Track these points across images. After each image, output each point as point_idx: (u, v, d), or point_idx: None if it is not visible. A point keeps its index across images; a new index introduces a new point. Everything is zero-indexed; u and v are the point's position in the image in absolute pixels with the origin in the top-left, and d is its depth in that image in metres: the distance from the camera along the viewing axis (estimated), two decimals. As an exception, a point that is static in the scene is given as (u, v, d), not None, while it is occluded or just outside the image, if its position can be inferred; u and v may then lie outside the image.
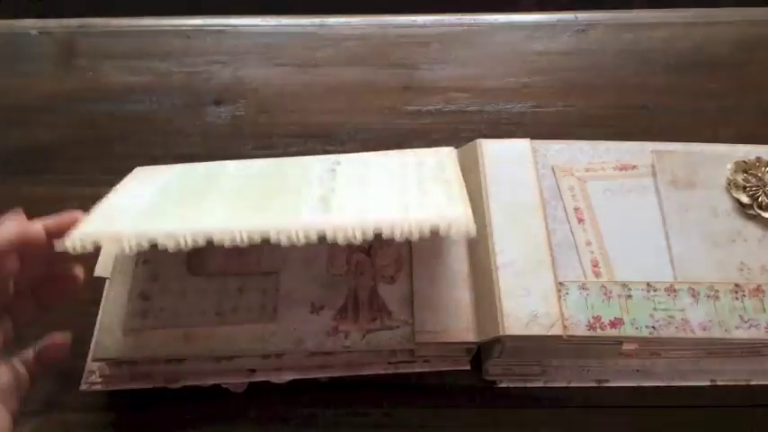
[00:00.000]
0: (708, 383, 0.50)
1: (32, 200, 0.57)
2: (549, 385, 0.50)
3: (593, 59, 0.70)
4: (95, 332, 0.49)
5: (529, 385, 0.50)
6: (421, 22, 0.69)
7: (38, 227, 0.43)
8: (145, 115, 0.65)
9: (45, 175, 0.62)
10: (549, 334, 0.46)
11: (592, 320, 0.47)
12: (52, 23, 0.72)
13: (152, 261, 0.52)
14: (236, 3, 0.96)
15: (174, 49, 0.66)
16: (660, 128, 0.64)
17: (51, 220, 0.43)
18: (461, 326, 0.47)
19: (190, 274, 0.51)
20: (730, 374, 0.50)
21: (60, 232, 0.43)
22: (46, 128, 0.65)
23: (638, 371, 0.50)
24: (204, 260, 0.51)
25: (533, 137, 0.57)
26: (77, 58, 0.69)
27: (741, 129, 0.63)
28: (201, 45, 0.67)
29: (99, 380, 0.49)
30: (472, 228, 0.39)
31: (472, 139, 0.56)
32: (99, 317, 0.50)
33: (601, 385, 0.50)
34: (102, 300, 0.51)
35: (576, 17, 0.73)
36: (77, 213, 0.44)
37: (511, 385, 0.50)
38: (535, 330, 0.46)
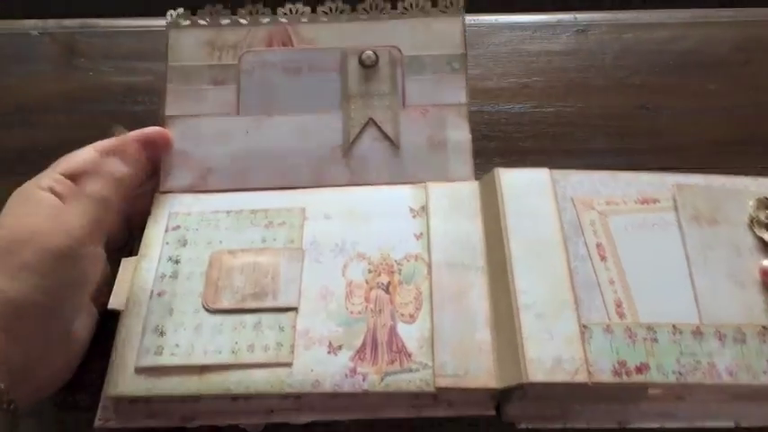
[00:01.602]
0: (732, 425, 0.50)
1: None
2: (569, 426, 0.50)
3: (593, 59, 0.69)
4: (109, 368, 0.48)
5: (549, 426, 0.50)
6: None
7: (130, 138, 0.54)
8: (145, 115, 0.65)
9: (45, 176, 0.61)
10: (574, 381, 0.45)
11: (617, 366, 0.46)
12: (52, 24, 0.72)
13: (167, 293, 0.51)
14: (236, 3, 0.94)
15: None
16: (660, 128, 0.64)
17: (138, 133, 0.54)
18: (483, 370, 0.47)
19: (205, 308, 0.50)
20: (756, 417, 0.49)
21: (148, 142, 0.55)
22: (46, 128, 0.65)
23: (660, 413, 0.50)
24: (220, 293, 0.50)
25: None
26: (77, 58, 0.69)
27: (741, 129, 0.63)
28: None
29: (113, 416, 0.48)
30: None
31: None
32: (112, 352, 0.49)
33: (622, 427, 0.49)
34: (116, 334, 0.49)
35: (576, 17, 0.72)
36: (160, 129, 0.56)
37: (530, 426, 0.50)
38: (559, 377, 0.45)
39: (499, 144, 0.64)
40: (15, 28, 0.72)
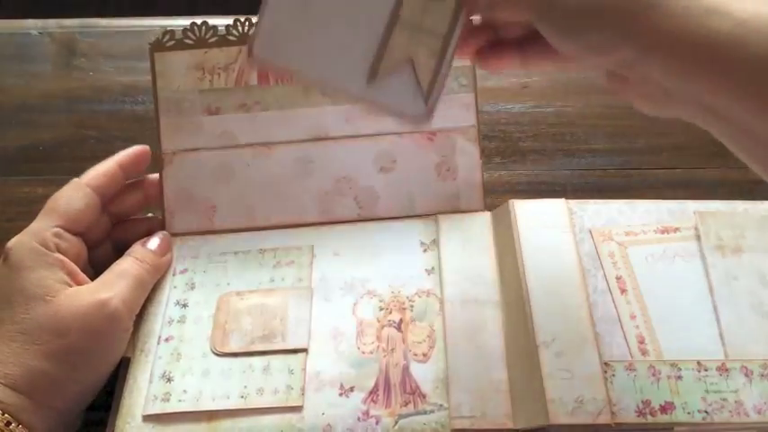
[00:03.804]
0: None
1: (32, 200, 0.57)
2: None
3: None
4: (112, 416, 0.47)
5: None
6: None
7: (112, 165, 0.52)
8: (145, 115, 0.65)
9: (45, 175, 0.62)
10: (597, 422, 0.43)
11: (641, 405, 0.44)
12: (52, 23, 0.72)
13: (175, 338, 0.49)
14: (236, 3, 0.93)
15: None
16: (660, 128, 0.62)
17: (122, 156, 0.53)
18: (500, 411, 0.45)
19: (213, 352, 0.48)
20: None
21: (133, 165, 0.53)
22: (46, 128, 0.65)
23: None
24: (228, 336, 0.49)
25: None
26: (77, 58, 0.69)
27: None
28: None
29: (120, 466, 0.47)
30: None
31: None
32: (117, 399, 0.47)
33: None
34: (123, 380, 0.48)
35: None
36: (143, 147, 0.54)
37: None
38: (581, 419, 0.43)
39: (499, 144, 0.63)
40: (15, 28, 0.72)
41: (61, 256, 0.47)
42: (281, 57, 0.41)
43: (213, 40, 0.55)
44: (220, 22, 0.66)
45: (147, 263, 0.50)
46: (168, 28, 0.56)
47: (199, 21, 0.56)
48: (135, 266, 0.49)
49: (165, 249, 0.53)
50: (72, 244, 0.49)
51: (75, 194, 0.50)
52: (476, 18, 0.43)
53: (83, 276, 0.48)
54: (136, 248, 0.51)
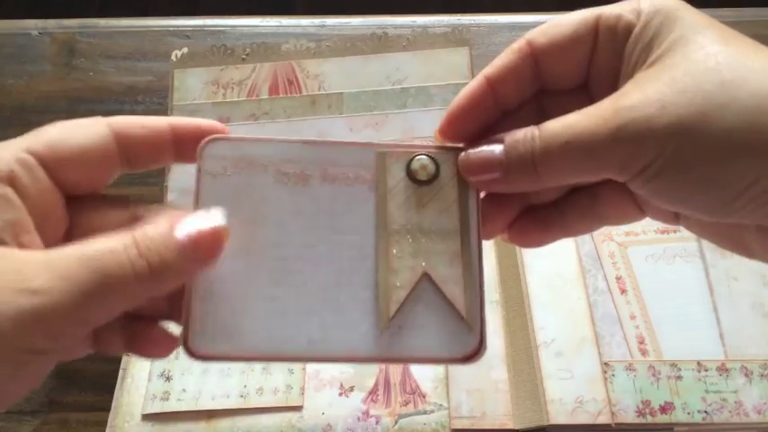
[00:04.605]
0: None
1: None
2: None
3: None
4: (111, 415, 0.47)
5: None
6: (421, 23, 0.67)
7: (162, 121, 0.32)
8: (145, 115, 0.64)
9: (45, 176, 0.61)
10: (597, 422, 0.43)
11: (641, 405, 0.44)
12: (52, 24, 0.72)
13: (172, 336, 0.49)
14: (236, 3, 0.93)
15: (173, 49, 0.65)
16: None
17: (181, 119, 0.33)
18: (500, 411, 0.45)
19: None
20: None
21: (189, 135, 0.32)
22: None
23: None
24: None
25: None
26: (77, 58, 0.69)
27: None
28: (201, 45, 0.66)
29: (118, 465, 0.47)
30: None
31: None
32: (116, 399, 0.47)
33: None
34: (120, 379, 0.48)
35: (577, 17, 0.71)
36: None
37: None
38: (581, 419, 0.43)
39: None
40: (15, 28, 0.72)
41: (11, 193, 0.27)
42: (236, 344, 0.28)
43: (230, 60, 0.59)
44: (220, 22, 0.66)
45: (150, 256, 0.26)
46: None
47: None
48: (122, 253, 0.25)
49: (205, 243, 0.27)
50: (42, 185, 0.28)
51: (83, 126, 0.30)
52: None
53: (33, 239, 0.28)
54: (147, 228, 0.26)
